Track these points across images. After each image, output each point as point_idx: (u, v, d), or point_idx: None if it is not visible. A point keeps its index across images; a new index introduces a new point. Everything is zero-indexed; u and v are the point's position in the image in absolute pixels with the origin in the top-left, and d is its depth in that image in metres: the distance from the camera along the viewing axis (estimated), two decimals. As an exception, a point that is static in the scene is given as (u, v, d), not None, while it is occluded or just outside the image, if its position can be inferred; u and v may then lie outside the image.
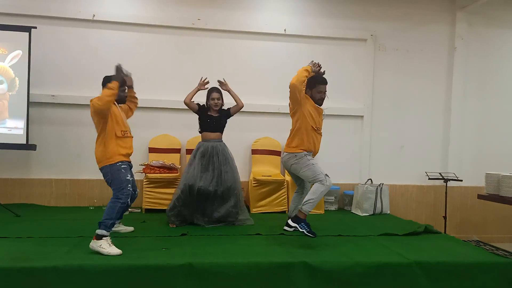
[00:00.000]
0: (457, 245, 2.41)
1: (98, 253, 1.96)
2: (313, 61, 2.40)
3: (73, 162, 3.32)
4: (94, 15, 3.33)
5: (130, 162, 2.31)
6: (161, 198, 3.12)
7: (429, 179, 3.45)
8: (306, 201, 2.23)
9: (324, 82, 2.41)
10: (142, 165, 3.20)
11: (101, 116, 2.17)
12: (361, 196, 3.34)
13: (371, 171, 3.68)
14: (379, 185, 3.41)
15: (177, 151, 3.43)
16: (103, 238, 2.00)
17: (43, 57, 3.26)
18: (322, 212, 3.32)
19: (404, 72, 3.75)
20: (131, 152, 2.31)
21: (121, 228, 2.47)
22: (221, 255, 2.03)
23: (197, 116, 2.77)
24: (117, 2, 3.39)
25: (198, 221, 2.64)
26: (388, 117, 3.74)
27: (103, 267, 1.83)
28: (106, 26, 3.37)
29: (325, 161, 3.28)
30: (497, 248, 2.37)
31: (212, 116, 2.72)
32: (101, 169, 2.21)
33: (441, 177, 3.41)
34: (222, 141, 2.77)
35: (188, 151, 3.38)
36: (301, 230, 2.18)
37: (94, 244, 1.99)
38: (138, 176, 3.26)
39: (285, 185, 3.29)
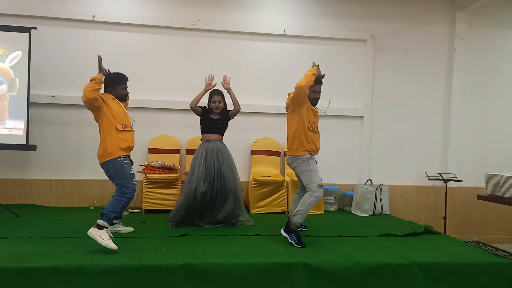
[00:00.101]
0: (457, 246, 2.41)
1: (96, 244, 1.98)
2: (314, 63, 2.40)
3: (73, 163, 3.32)
4: (94, 16, 3.33)
5: (130, 157, 2.31)
6: (161, 198, 3.13)
7: (429, 179, 3.46)
8: (296, 212, 2.27)
9: (319, 82, 2.42)
10: (142, 165, 3.21)
11: (91, 108, 2.21)
12: (360, 196, 3.34)
13: (370, 171, 3.68)
14: (379, 185, 3.41)
15: (177, 151, 3.44)
16: (104, 229, 2.03)
17: (43, 58, 3.26)
18: (322, 212, 3.32)
19: (404, 72, 3.75)
20: (133, 146, 2.32)
21: (121, 228, 2.48)
22: (221, 255, 2.03)
23: (198, 118, 2.78)
24: (117, 3, 3.39)
25: (198, 222, 2.65)
26: (387, 118, 3.74)
27: (103, 267, 1.83)
28: (106, 26, 3.37)
29: (325, 162, 3.29)
30: (497, 249, 2.37)
31: (213, 119, 2.74)
32: (102, 164, 2.22)
33: (441, 178, 3.42)
34: (222, 142, 2.78)
35: (188, 152, 3.39)
36: (290, 241, 2.23)
37: (94, 232, 2.01)
38: (138, 177, 3.26)
39: (285, 186, 3.29)
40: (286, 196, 3.29)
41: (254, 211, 3.21)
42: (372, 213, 3.32)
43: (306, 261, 1.97)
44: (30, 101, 3.09)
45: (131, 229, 2.50)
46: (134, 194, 2.18)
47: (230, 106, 2.83)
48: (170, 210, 2.83)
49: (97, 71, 2.34)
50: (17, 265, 1.81)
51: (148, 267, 1.86)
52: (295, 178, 3.15)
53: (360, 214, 3.32)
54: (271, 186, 3.24)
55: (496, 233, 3.73)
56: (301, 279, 1.93)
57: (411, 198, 3.74)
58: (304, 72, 2.59)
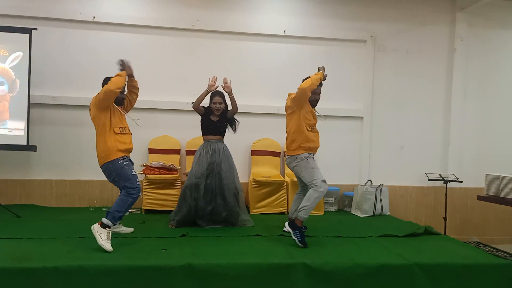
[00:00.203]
0: (457, 246, 2.41)
1: (96, 244, 2.00)
2: (320, 68, 2.41)
3: (74, 163, 3.33)
4: (94, 17, 3.34)
5: (130, 158, 2.32)
6: (161, 199, 3.13)
7: (429, 180, 3.45)
8: (301, 207, 2.27)
9: (320, 84, 2.43)
10: (142, 166, 3.21)
11: (103, 107, 2.20)
12: (360, 197, 3.34)
13: (370, 172, 3.68)
14: (379, 186, 3.41)
15: (177, 152, 3.44)
16: (107, 229, 2.05)
17: (43, 59, 3.27)
18: (322, 213, 3.32)
19: (404, 72, 3.75)
20: (131, 148, 2.34)
21: (121, 229, 2.48)
22: (221, 256, 2.03)
23: (198, 118, 2.78)
24: (117, 4, 3.40)
25: (199, 221, 2.65)
26: (388, 118, 3.74)
27: (103, 268, 1.83)
28: (106, 27, 3.38)
29: (325, 162, 3.29)
30: (497, 250, 2.37)
31: (213, 121, 2.74)
32: (102, 166, 2.23)
33: (441, 178, 3.41)
34: (223, 142, 2.79)
35: (188, 152, 3.39)
36: (293, 237, 2.22)
37: (97, 229, 2.05)
38: (138, 177, 3.27)
39: (285, 186, 3.29)
40: (286, 196, 3.29)
41: (254, 211, 3.21)
42: (372, 214, 3.32)
43: (306, 261, 1.97)
44: (30, 102, 3.10)
45: (131, 229, 2.51)
46: (140, 195, 2.20)
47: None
48: (170, 211, 2.83)
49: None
50: (17, 265, 1.81)
51: (148, 267, 1.86)
52: (295, 179, 3.16)
53: (360, 215, 3.31)
54: (271, 187, 3.24)
55: (496, 233, 3.72)
56: (301, 280, 1.93)
57: (411, 199, 3.74)
58: (304, 72, 2.60)
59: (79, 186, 3.34)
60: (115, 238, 2.23)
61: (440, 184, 3.57)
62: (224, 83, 2.78)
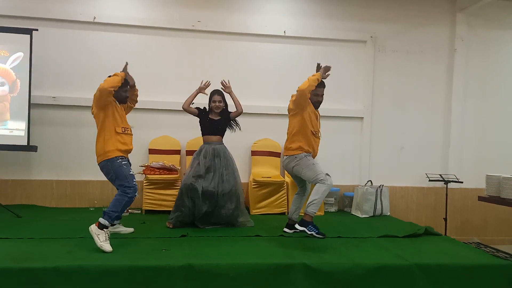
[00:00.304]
0: (457, 247, 2.40)
1: (95, 245, 2.00)
2: (319, 64, 2.38)
3: (74, 163, 3.33)
4: (95, 17, 3.35)
5: (128, 159, 2.32)
6: (161, 199, 3.13)
7: (430, 180, 3.45)
8: (310, 202, 2.24)
9: (322, 85, 2.42)
10: (142, 166, 3.22)
11: (101, 104, 2.20)
12: (361, 197, 3.34)
13: (371, 172, 3.67)
14: (379, 186, 3.40)
15: (177, 152, 3.44)
16: (105, 229, 2.05)
17: (44, 59, 3.28)
18: (322, 213, 3.31)
19: (404, 73, 3.75)
20: (131, 149, 2.34)
21: (121, 229, 2.48)
22: (221, 256, 2.03)
23: (198, 119, 2.78)
24: (117, 5, 3.41)
25: (198, 223, 2.64)
26: (388, 119, 3.74)
27: (103, 268, 1.83)
28: (106, 28, 3.39)
29: (325, 163, 3.28)
30: (498, 250, 2.36)
31: (213, 120, 2.73)
32: (100, 164, 2.22)
33: (441, 179, 3.41)
34: (223, 143, 2.77)
35: (188, 153, 3.39)
36: (309, 233, 2.18)
37: (94, 230, 2.04)
38: (138, 177, 3.27)
39: (285, 187, 3.29)
40: (286, 197, 3.29)
41: (254, 212, 3.21)
42: (372, 214, 3.32)
43: (306, 262, 1.96)
44: (31, 102, 3.11)
45: (131, 229, 2.51)
46: (136, 194, 2.19)
47: (231, 108, 2.83)
48: (170, 211, 2.83)
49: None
50: (17, 265, 1.82)
51: (148, 267, 1.86)
52: (295, 179, 3.16)
53: (360, 215, 3.31)
54: (271, 187, 3.24)
55: (496, 234, 3.72)
56: (301, 280, 1.93)
57: (412, 199, 3.73)
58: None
59: (80, 187, 3.35)
60: (115, 238, 2.23)
61: (440, 184, 3.57)
62: (224, 85, 2.77)
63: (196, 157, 2.69)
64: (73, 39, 3.35)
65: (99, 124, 2.24)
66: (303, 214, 2.28)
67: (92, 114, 2.29)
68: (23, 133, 3.07)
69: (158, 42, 3.47)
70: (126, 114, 2.48)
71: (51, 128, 3.33)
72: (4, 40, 3.05)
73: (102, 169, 2.24)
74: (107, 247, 2.00)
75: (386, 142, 3.73)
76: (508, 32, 3.84)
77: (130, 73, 2.43)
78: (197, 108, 2.77)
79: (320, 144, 2.54)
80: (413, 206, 3.72)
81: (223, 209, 2.63)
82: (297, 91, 2.31)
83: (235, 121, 2.83)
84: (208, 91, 2.79)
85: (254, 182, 3.24)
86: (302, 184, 2.57)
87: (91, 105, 2.33)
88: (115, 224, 2.42)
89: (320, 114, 2.55)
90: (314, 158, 2.46)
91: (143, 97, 3.35)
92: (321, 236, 2.16)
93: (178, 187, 3.13)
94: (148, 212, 3.14)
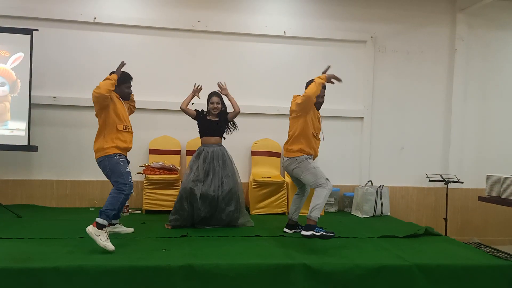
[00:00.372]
0: (457, 248, 2.40)
1: (95, 245, 1.98)
2: (329, 68, 2.33)
3: (74, 163, 3.34)
4: (95, 18, 3.35)
5: (126, 157, 2.32)
6: (161, 199, 3.13)
7: (430, 181, 3.45)
8: (312, 207, 2.21)
9: (323, 86, 2.42)
10: (142, 166, 3.22)
11: (100, 106, 2.21)
12: (361, 198, 3.33)
13: (371, 172, 3.67)
14: (379, 186, 3.40)
15: (177, 152, 3.45)
16: (104, 229, 2.02)
17: (44, 59, 3.28)
18: (322, 213, 3.30)
19: (404, 73, 3.75)
20: (130, 147, 2.33)
21: (121, 229, 2.48)
22: (221, 256, 2.03)
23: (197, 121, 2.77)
24: (118, 5, 3.41)
25: (198, 225, 2.63)
26: (388, 119, 3.74)
27: (103, 268, 1.84)
28: (107, 28, 3.39)
29: (325, 163, 3.29)
30: (498, 250, 2.36)
31: (211, 121, 2.72)
32: (98, 160, 2.22)
33: (441, 179, 3.41)
34: (221, 145, 2.77)
35: (188, 153, 3.39)
36: (318, 234, 2.15)
37: (93, 231, 2.01)
38: (138, 177, 3.28)
39: (285, 187, 3.29)
40: (286, 197, 3.29)
41: (254, 212, 3.21)
42: (372, 215, 3.31)
43: (306, 262, 1.96)
44: (31, 102, 3.11)
45: (131, 229, 2.51)
46: (132, 191, 2.18)
47: (230, 109, 2.83)
48: (170, 211, 2.83)
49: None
50: (17, 265, 1.82)
51: (148, 268, 1.86)
52: (295, 179, 3.16)
53: (360, 216, 3.31)
54: (271, 187, 3.24)
55: (497, 234, 3.71)
56: (301, 281, 1.93)
57: (412, 200, 3.73)
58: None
59: (80, 187, 3.35)
60: (115, 238, 2.23)
61: (440, 185, 3.57)
62: (220, 87, 2.76)
63: (195, 160, 2.68)
64: (73, 39, 3.36)
65: (101, 121, 2.24)
66: (306, 218, 2.24)
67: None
68: (23, 133, 3.08)
69: (158, 42, 3.47)
70: (129, 114, 2.48)
71: (52, 128, 3.33)
72: (4, 40, 3.06)
73: (99, 164, 2.23)
74: (110, 246, 1.99)
75: (386, 142, 3.73)
76: (508, 33, 3.84)
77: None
78: (196, 110, 2.76)
79: (320, 144, 2.54)
80: (413, 207, 3.72)
81: (223, 213, 2.62)
82: (303, 95, 2.29)
83: (233, 123, 2.83)
84: (202, 93, 2.78)
85: (254, 182, 3.24)
86: (301, 185, 2.57)
87: (91, 105, 2.34)
88: (114, 224, 2.42)
89: (320, 114, 2.55)
90: (315, 159, 2.45)
91: (143, 97, 3.37)
92: (330, 234, 2.14)
93: (178, 187, 3.13)
94: (148, 212, 3.14)
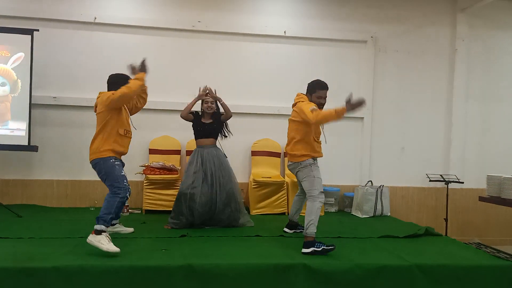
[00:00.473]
0: (458, 248, 2.39)
1: (97, 248, 1.96)
2: (352, 96, 2.13)
3: (74, 163, 3.34)
4: (95, 18, 3.36)
5: (121, 160, 2.30)
6: (161, 199, 3.14)
7: (430, 181, 3.44)
8: (307, 224, 2.17)
9: (325, 87, 2.37)
10: (142, 166, 3.22)
11: (116, 106, 2.17)
12: (361, 198, 3.33)
13: (371, 173, 3.67)
14: (379, 187, 3.40)
15: (177, 152, 3.45)
16: (102, 233, 2.00)
17: (45, 59, 3.28)
18: (322, 213, 3.29)
19: (405, 73, 3.74)
20: (126, 152, 2.32)
21: (121, 229, 2.48)
22: (221, 256, 2.03)
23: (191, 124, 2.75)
24: (118, 5, 3.41)
25: (199, 225, 2.62)
26: (388, 119, 3.74)
27: (103, 268, 1.84)
28: (107, 28, 3.39)
29: (325, 163, 3.27)
30: (498, 251, 2.35)
31: (205, 124, 2.71)
32: (92, 161, 2.19)
33: (442, 179, 3.40)
34: (216, 145, 2.75)
35: (188, 153, 3.39)
36: (320, 249, 2.09)
37: (93, 239, 1.99)
38: (138, 177, 3.28)
39: (285, 187, 3.28)
40: (286, 197, 3.29)
41: (254, 212, 3.21)
42: (372, 215, 3.31)
43: (306, 262, 1.96)
44: (32, 102, 3.11)
45: (131, 229, 2.51)
46: (127, 195, 2.15)
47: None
48: (170, 211, 2.82)
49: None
50: (18, 265, 1.82)
51: (148, 267, 1.86)
52: (295, 179, 3.14)
53: (360, 216, 3.31)
54: (271, 187, 3.24)
55: (498, 235, 3.70)
56: (301, 281, 1.93)
57: (412, 200, 3.72)
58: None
59: (80, 187, 3.35)
60: (115, 238, 2.23)
61: (441, 185, 3.56)
62: (208, 93, 2.69)
63: (191, 164, 2.67)
64: (73, 40, 3.36)
65: (101, 122, 2.20)
66: (303, 236, 2.19)
67: (95, 111, 2.27)
68: (24, 133, 3.08)
69: (158, 42, 3.47)
70: (133, 114, 2.45)
71: (52, 128, 3.34)
72: (5, 41, 3.06)
73: (94, 167, 2.20)
74: (113, 248, 1.97)
75: (386, 142, 3.72)
76: (509, 33, 3.83)
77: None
78: (192, 113, 2.74)
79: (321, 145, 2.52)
80: (413, 207, 3.71)
81: (222, 214, 2.62)
82: (317, 118, 2.13)
83: (227, 127, 2.80)
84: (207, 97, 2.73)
85: (254, 182, 3.24)
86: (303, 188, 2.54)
87: (91, 105, 2.34)
88: (114, 224, 2.42)
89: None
90: (320, 157, 2.40)
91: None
92: (331, 247, 2.11)
93: (178, 187, 3.13)
94: (148, 212, 3.14)
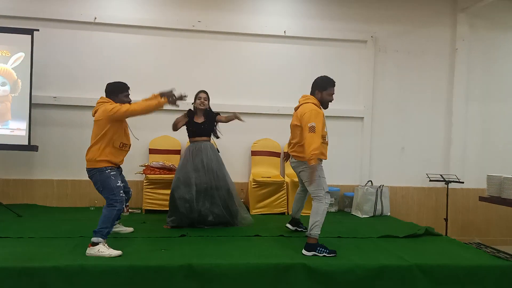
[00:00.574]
0: (458, 248, 2.39)
1: (99, 257, 1.95)
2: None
3: (75, 163, 3.33)
4: (95, 18, 3.36)
5: (119, 167, 2.28)
6: (161, 199, 3.14)
7: (430, 181, 3.44)
8: (312, 225, 2.14)
9: (334, 83, 2.34)
10: (142, 166, 3.22)
11: (114, 119, 2.13)
12: (361, 197, 3.33)
13: (371, 172, 3.66)
14: (379, 186, 3.40)
15: (177, 152, 3.45)
16: (100, 243, 1.99)
17: (45, 59, 3.29)
18: (323, 213, 3.31)
19: (405, 73, 3.74)
20: (121, 163, 2.29)
21: (121, 228, 2.49)
22: (221, 256, 2.03)
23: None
24: (118, 5, 3.41)
25: (198, 224, 2.62)
26: (388, 119, 3.73)
27: (103, 268, 1.84)
28: (107, 28, 3.39)
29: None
30: (498, 251, 2.35)
31: (197, 124, 2.70)
32: (88, 170, 2.17)
33: (442, 179, 3.40)
34: (209, 141, 2.74)
35: (188, 153, 3.39)
36: (321, 255, 2.07)
37: (92, 251, 1.98)
38: (138, 177, 3.28)
39: (285, 187, 3.28)
40: (286, 197, 3.29)
41: (254, 212, 3.21)
42: (372, 215, 3.31)
43: (306, 262, 1.96)
44: (32, 102, 3.12)
45: (131, 229, 2.51)
46: (123, 206, 2.14)
47: (215, 108, 2.79)
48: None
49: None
50: (18, 264, 1.82)
51: (148, 267, 1.86)
52: (295, 179, 3.15)
53: (360, 216, 3.30)
54: (271, 187, 3.24)
55: (499, 235, 3.70)
56: (301, 281, 1.93)
57: (412, 200, 3.72)
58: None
59: (80, 186, 3.35)
60: (115, 238, 2.24)
61: (441, 185, 3.56)
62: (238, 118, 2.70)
63: (186, 158, 2.66)
64: (74, 40, 3.36)
65: (99, 132, 2.15)
66: (306, 237, 2.16)
67: (93, 116, 2.25)
68: (24, 133, 3.08)
69: (158, 42, 3.47)
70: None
71: (52, 128, 3.34)
72: (5, 41, 3.06)
73: (90, 177, 2.18)
74: (115, 252, 1.97)
75: (386, 142, 3.72)
76: (510, 32, 3.82)
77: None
78: (185, 114, 2.72)
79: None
80: (413, 207, 3.71)
81: (218, 206, 2.60)
82: (309, 153, 2.10)
83: (217, 129, 2.77)
84: (193, 92, 2.71)
85: (254, 182, 3.24)
86: (304, 184, 2.54)
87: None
88: (114, 224, 2.42)
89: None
90: (325, 159, 2.36)
91: (143, 97, 3.36)
92: (333, 255, 2.10)
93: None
94: (148, 211, 3.15)
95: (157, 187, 3.15)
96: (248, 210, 3.17)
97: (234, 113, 2.73)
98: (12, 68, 3.10)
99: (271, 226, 2.74)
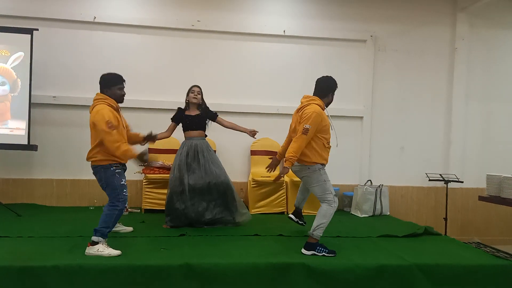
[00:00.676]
0: (457, 247, 2.39)
1: (99, 257, 1.94)
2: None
3: (74, 163, 3.34)
4: (95, 17, 3.36)
5: (124, 165, 2.25)
6: (160, 198, 3.13)
7: (430, 180, 3.44)
8: (317, 225, 2.13)
9: (336, 86, 2.36)
10: (141, 165, 3.22)
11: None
12: (360, 197, 3.33)
13: (370, 172, 3.66)
14: (379, 186, 3.40)
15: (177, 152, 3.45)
16: (99, 243, 1.99)
17: (44, 59, 3.28)
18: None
19: (405, 73, 3.74)
20: (125, 162, 2.26)
21: (120, 228, 2.48)
22: (220, 256, 2.03)
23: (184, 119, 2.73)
24: (117, 5, 3.41)
25: (197, 224, 2.62)
26: (388, 118, 3.73)
27: (103, 267, 1.84)
28: (107, 28, 3.39)
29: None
30: (498, 250, 2.35)
31: (190, 116, 2.68)
32: (93, 166, 2.15)
33: (441, 179, 3.40)
34: (204, 139, 2.73)
35: (188, 152, 3.39)
36: (320, 254, 2.07)
37: (91, 251, 1.98)
38: (137, 177, 3.28)
39: (284, 186, 3.28)
40: (285, 196, 3.29)
41: (253, 211, 3.21)
42: (372, 214, 3.31)
43: (305, 262, 1.96)
44: (31, 102, 3.11)
45: (130, 228, 2.51)
46: (126, 206, 2.12)
47: (214, 108, 2.79)
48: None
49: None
50: (17, 264, 1.82)
51: (147, 267, 1.86)
52: (295, 179, 3.15)
53: (359, 215, 3.31)
54: (271, 187, 3.24)
55: (498, 234, 3.70)
56: (300, 280, 1.93)
57: (412, 199, 3.72)
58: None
59: (80, 186, 3.36)
60: (115, 237, 2.24)
61: (441, 184, 3.56)
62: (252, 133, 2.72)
63: (178, 157, 2.65)
64: (73, 39, 3.36)
65: (96, 138, 2.14)
66: (308, 236, 2.15)
67: (90, 113, 2.23)
68: (23, 133, 3.08)
69: (158, 41, 3.47)
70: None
71: (52, 128, 3.34)
72: (5, 40, 3.06)
73: (94, 173, 2.17)
74: (114, 252, 1.97)
75: (386, 142, 3.72)
76: (509, 32, 3.82)
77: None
78: (177, 113, 2.72)
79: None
80: (413, 206, 3.71)
81: (215, 205, 2.60)
82: (291, 154, 2.08)
83: (208, 125, 2.76)
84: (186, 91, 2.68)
85: (253, 182, 3.24)
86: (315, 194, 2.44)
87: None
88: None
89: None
90: (325, 163, 2.30)
91: (143, 97, 3.37)
92: (332, 255, 2.10)
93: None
94: (148, 211, 3.14)
95: (157, 186, 3.15)
96: (248, 209, 3.17)
97: (251, 130, 2.70)
98: (11, 68, 3.10)
99: (270, 225, 2.74)
